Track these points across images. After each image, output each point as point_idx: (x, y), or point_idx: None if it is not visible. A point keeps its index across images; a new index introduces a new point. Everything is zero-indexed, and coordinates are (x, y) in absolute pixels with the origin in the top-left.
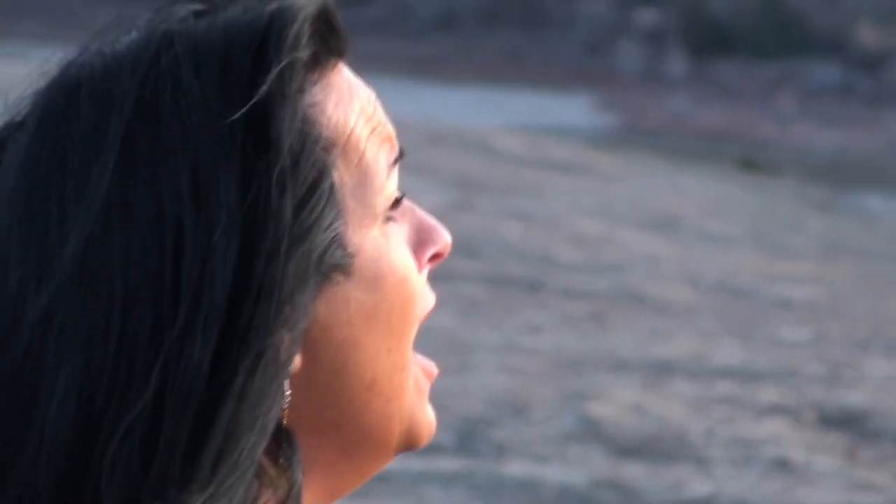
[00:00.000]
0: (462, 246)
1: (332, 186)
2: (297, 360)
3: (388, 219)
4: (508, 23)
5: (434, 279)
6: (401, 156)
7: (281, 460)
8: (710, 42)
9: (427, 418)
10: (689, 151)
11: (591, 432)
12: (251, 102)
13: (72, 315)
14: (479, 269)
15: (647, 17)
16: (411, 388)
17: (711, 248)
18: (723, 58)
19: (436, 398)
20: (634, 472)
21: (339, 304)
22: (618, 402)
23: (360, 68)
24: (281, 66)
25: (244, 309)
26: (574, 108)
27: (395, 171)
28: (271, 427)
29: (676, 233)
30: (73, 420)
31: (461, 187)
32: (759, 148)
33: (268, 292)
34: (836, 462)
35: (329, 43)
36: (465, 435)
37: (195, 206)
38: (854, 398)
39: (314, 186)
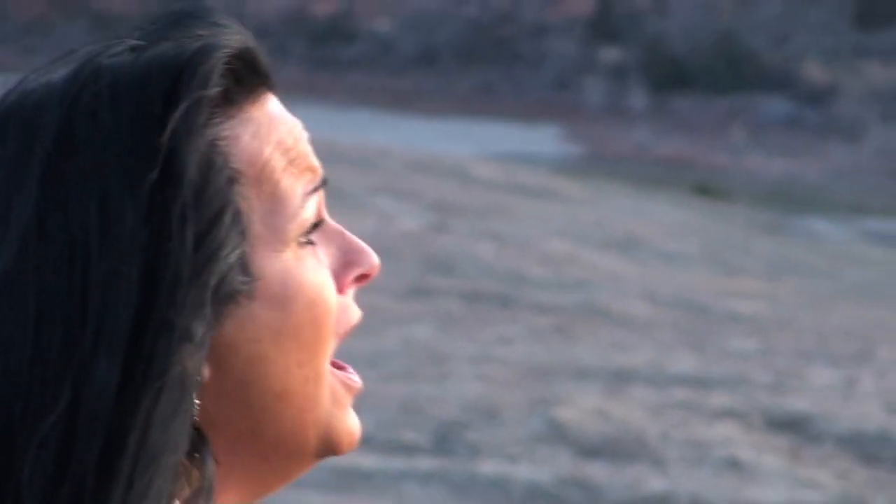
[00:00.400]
0: (440, 264)
1: (236, 215)
2: (206, 372)
3: (306, 243)
4: (483, 60)
5: (414, 295)
6: (323, 183)
7: (195, 456)
8: (669, 78)
9: (347, 427)
10: (649, 178)
11: (557, 435)
12: (158, 138)
13: None
14: (455, 285)
15: (610, 54)
16: (327, 400)
17: (668, 267)
18: (680, 92)
19: (415, 403)
20: (597, 471)
21: (245, 323)
22: (581, 408)
23: (345, 101)
24: (188, 103)
25: (146, 335)
26: (543, 139)
27: (314, 198)
28: (184, 442)
29: (636, 253)
30: None
31: (439, 210)
32: (713, 175)
33: (169, 319)
34: (782, 462)
35: (245, 80)
36: (442, 437)
37: (101, 237)
38: (798, 404)
39: (217, 217)
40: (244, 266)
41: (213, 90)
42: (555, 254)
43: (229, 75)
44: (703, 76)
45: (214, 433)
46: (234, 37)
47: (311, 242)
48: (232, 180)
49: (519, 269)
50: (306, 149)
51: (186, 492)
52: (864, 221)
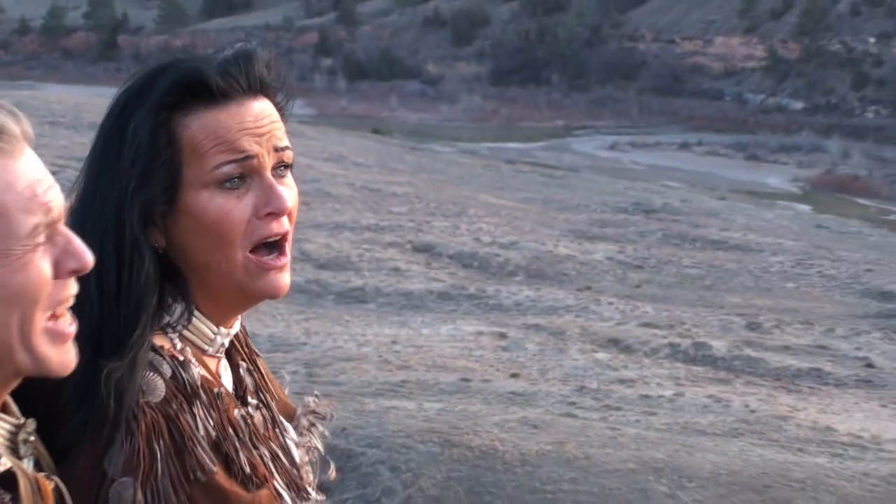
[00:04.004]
0: None
1: (168, 166)
2: (162, 241)
3: (229, 188)
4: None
5: None
6: (246, 158)
7: (176, 292)
8: (357, 72)
9: (261, 286)
10: (348, 125)
11: (305, 257)
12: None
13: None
14: None
15: (327, 62)
16: (240, 272)
17: (359, 170)
18: (363, 81)
19: None
20: (326, 277)
21: (179, 223)
22: (317, 243)
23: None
24: (150, 102)
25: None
26: (294, 107)
27: (232, 165)
28: (153, 274)
29: (343, 163)
30: None
31: None
32: (381, 123)
33: (126, 217)
34: (421, 268)
35: (199, 94)
36: None
37: (118, 157)
38: (429, 238)
39: (150, 165)
40: (170, 197)
41: (167, 98)
42: (300, 165)
43: (183, 90)
44: (374, 72)
45: (190, 276)
46: (205, 65)
47: (234, 188)
48: (172, 148)
49: None
50: (236, 138)
51: (176, 313)
52: (458, 144)
